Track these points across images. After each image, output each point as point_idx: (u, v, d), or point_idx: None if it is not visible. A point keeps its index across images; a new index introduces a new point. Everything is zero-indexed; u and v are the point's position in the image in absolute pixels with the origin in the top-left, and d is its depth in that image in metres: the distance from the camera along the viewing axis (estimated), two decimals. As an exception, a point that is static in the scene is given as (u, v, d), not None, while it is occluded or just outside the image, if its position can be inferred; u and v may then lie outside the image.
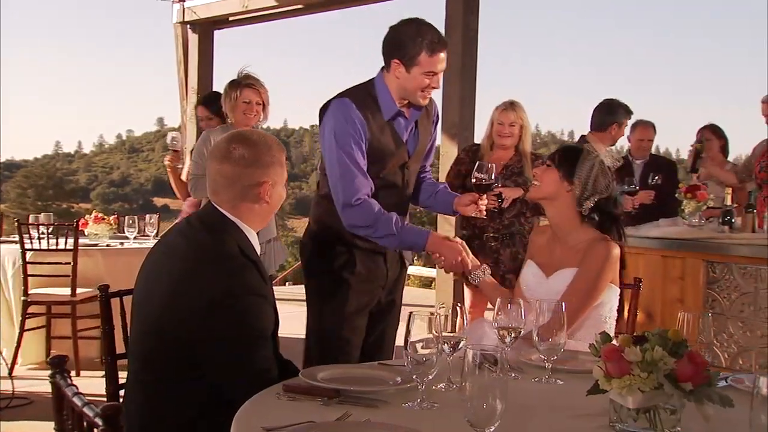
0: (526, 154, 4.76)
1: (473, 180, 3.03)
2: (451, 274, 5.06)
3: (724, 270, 4.43)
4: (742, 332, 4.35)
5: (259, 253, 2.29)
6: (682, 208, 5.05)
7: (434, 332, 1.91)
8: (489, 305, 3.85)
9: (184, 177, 5.54)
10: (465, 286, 5.09)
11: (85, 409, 1.26)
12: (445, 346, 1.99)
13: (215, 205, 2.29)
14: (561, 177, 2.76)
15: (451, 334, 2.06)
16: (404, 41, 2.85)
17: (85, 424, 1.29)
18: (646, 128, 5.86)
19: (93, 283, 5.52)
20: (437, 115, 3.20)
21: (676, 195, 5.20)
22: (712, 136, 6.18)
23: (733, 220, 4.73)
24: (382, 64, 2.97)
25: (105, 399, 2.52)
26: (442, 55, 2.88)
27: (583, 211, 2.73)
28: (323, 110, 2.96)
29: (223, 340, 2.09)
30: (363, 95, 2.93)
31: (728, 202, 4.85)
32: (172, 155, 5.54)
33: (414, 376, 1.88)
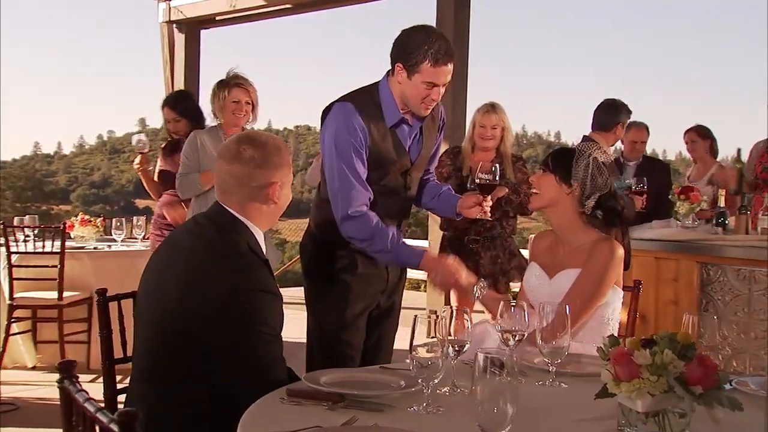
0: (507, 156, 4.80)
1: (477, 181, 3.02)
2: None
3: (718, 272, 4.45)
4: (736, 334, 4.37)
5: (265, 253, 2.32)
6: (676, 209, 5.07)
7: (438, 335, 1.92)
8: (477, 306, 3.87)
9: (156, 177, 5.43)
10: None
11: (99, 415, 1.26)
12: (450, 350, 2.00)
13: (223, 205, 2.31)
14: (558, 181, 2.77)
15: (450, 338, 2.06)
16: (410, 46, 2.82)
17: (97, 430, 1.29)
18: (639, 130, 5.89)
19: (80, 287, 5.51)
20: (443, 120, 3.17)
21: (669, 196, 5.23)
22: (698, 138, 6.26)
23: (726, 222, 4.76)
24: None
25: (102, 404, 2.50)
26: (447, 68, 2.84)
27: (586, 210, 2.74)
28: (325, 112, 2.94)
29: (233, 336, 2.09)
30: (366, 100, 2.91)
31: (722, 203, 4.88)
32: (141, 158, 5.35)
33: (419, 380, 1.89)
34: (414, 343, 1.91)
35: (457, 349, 2.05)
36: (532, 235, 7.30)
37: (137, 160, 5.35)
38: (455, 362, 2.06)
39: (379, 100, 2.92)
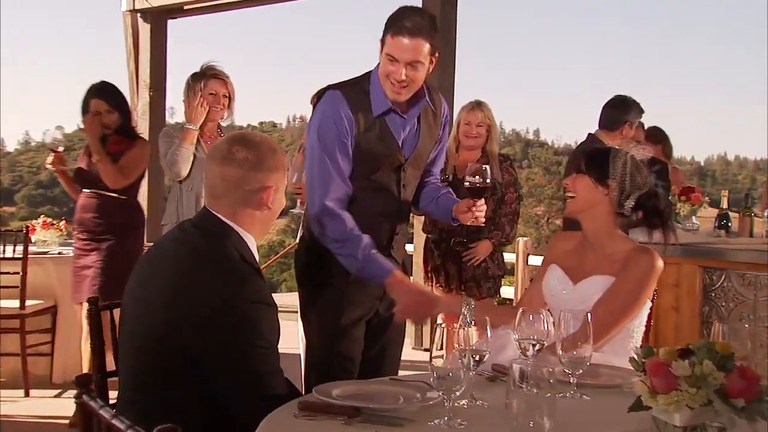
0: (493, 155, 4.82)
1: (466, 184, 2.91)
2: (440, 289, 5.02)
3: (721, 277, 4.50)
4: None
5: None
6: (677, 211, 5.13)
7: (457, 345, 1.93)
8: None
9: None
10: None
11: (130, 433, 1.25)
12: (470, 360, 2.01)
13: (211, 210, 2.29)
14: (594, 182, 2.76)
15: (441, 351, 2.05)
16: (387, 21, 2.83)
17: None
18: (636, 129, 5.94)
19: (43, 295, 5.45)
20: (446, 117, 3.13)
21: (670, 197, 5.29)
22: (647, 144, 6.52)
23: (729, 224, 4.83)
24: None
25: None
26: (406, 41, 2.76)
27: (626, 211, 2.75)
28: (317, 98, 2.96)
29: (223, 341, 2.09)
30: (356, 89, 2.91)
31: (724, 205, 4.95)
32: (54, 159, 5.00)
33: (440, 393, 1.90)
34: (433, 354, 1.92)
35: (477, 359, 2.05)
36: (521, 238, 7.36)
37: (49, 159, 5.03)
38: (474, 373, 2.07)
39: (368, 87, 2.92)
